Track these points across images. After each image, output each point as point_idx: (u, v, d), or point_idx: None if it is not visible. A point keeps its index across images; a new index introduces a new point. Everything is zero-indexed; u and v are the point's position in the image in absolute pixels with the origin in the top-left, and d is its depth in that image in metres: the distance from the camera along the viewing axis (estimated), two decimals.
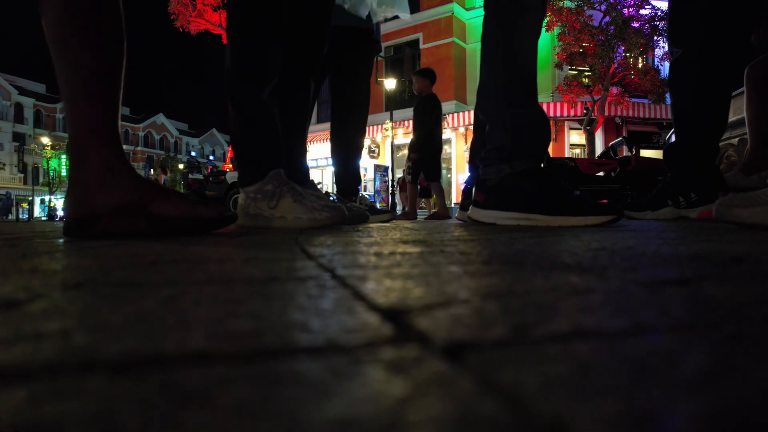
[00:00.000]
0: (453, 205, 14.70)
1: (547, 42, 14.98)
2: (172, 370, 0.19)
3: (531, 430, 0.13)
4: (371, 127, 19.01)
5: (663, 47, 14.37)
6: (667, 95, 14.58)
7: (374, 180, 18.33)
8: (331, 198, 2.52)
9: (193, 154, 12.06)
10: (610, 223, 1.41)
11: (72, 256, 0.70)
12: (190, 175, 9.27)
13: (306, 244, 0.84)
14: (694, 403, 0.14)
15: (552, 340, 0.21)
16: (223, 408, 0.15)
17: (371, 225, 1.91)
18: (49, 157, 34.11)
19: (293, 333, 0.24)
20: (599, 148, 13.85)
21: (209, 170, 9.40)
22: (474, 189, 1.73)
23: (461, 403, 0.15)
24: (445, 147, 18.52)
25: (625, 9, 13.73)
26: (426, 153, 5.13)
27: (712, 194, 2.13)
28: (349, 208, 1.94)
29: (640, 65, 14.95)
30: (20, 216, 23.80)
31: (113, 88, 1.18)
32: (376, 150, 19.13)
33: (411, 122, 5.33)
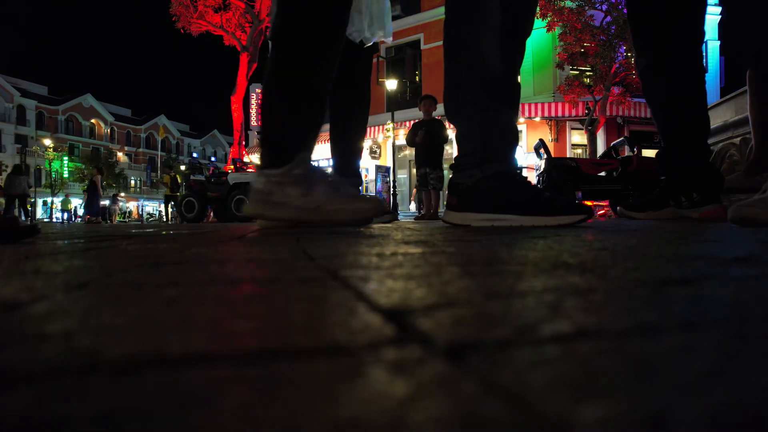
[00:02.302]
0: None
1: (548, 42, 14.96)
2: (174, 371, 0.19)
3: (533, 431, 0.13)
4: (372, 128, 18.99)
5: None
6: None
7: (375, 181, 18.29)
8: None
9: (194, 155, 12.03)
10: (581, 222, 1.44)
11: (74, 257, 0.70)
12: (191, 177, 9.27)
13: (307, 245, 0.84)
14: (698, 402, 0.14)
15: (554, 341, 0.21)
16: (226, 409, 0.15)
17: (373, 226, 1.91)
18: (51, 159, 34.18)
19: (295, 334, 0.24)
20: (601, 148, 13.82)
21: (211, 171, 9.40)
22: (447, 193, 1.73)
23: (463, 404, 0.15)
24: (447, 147, 18.54)
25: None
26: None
27: (714, 194, 2.12)
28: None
29: None
30: (22, 218, 23.82)
31: None
32: (378, 151, 19.13)
33: (423, 133, 6.09)
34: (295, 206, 1.29)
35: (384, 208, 1.45)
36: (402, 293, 0.34)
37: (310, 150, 1.45)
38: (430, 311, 0.28)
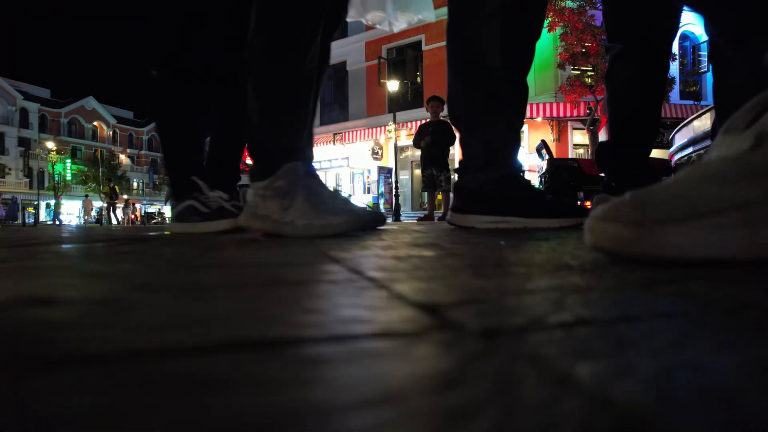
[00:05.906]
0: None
1: (549, 42, 15.02)
2: (245, 354, 0.25)
3: (545, 380, 0.19)
4: (374, 129, 19.05)
5: None
6: (671, 94, 14.56)
7: (378, 182, 18.33)
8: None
9: None
10: (582, 225, 1.48)
11: (110, 262, 0.76)
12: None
13: (326, 248, 0.90)
14: (657, 362, 0.20)
15: (560, 327, 0.28)
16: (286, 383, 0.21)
17: (378, 228, 1.95)
18: (54, 162, 34.35)
19: (353, 324, 0.30)
20: None
21: None
22: (452, 195, 1.77)
23: (498, 367, 0.21)
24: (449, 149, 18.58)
25: None
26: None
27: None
28: (364, 210, 1.68)
29: None
30: (26, 220, 23.99)
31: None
32: (380, 152, 19.20)
33: (430, 137, 6.25)
34: (273, 220, 1.32)
35: (361, 222, 1.42)
36: (428, 292, 0.41)
37: (299, 157, 1.39)
38: (457, 306, 0.34)
